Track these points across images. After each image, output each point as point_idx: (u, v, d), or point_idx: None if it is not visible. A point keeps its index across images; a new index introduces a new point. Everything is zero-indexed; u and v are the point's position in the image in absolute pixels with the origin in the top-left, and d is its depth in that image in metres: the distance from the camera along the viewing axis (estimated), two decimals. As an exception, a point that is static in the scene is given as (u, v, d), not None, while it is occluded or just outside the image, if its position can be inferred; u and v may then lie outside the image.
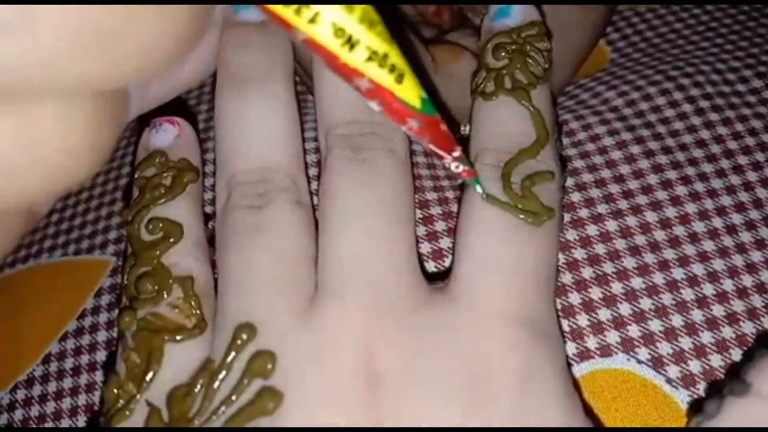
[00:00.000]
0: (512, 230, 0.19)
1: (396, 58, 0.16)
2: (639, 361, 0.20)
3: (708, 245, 0.22)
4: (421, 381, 0.17)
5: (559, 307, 0.21)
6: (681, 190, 0.23)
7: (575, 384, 0.20)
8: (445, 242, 0.23)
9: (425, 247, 0.23)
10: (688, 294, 0.21)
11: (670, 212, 0.23)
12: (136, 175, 0.21)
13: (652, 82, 0.26)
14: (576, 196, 0.23)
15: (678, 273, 0.21)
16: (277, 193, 0.20)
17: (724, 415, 0.17)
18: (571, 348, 0.21)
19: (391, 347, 0.18)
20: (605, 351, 0.20)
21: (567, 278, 0.21)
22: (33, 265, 0.26)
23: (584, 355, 0.20)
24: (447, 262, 0.22)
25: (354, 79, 0.15)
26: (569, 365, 0.20)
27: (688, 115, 0.25)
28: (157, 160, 0.21)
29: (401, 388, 0.17)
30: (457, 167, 0.19)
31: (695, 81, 0.26)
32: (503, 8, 0.23)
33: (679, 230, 0.22)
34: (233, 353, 0.18)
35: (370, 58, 0.15)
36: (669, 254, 0.22)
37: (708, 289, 0.21)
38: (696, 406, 0.19)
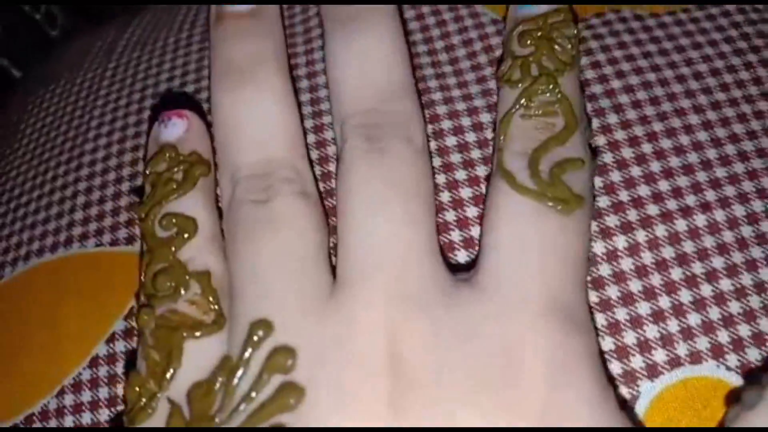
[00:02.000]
0: (541, 219, 0.19)
1: None
2: (728, 368, 0.19)
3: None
4: (446, 376, 0.17)
5: (648, 311, 0.20)
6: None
7: (610, 378, 0.19)
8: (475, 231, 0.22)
9: (455, 235, 0.21)
10: None
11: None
12: (147, 171, 0.22)
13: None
14: (665, 185, 0.21)
15: (765, 273, 0.20)
16: (281, 186, 0.20)
17: (765, 406, 0.16)
18: (661, 355, 0.19)
19: (416, 340, 0.17)
20: (695, 358, 0.19)
21: (656, 280, 0.20)
22: (64, 256, 0.25)
23: (675, 362, 0.19)
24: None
25: None
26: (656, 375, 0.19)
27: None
28: (167, 154, 0.21)
29: (426, 383, 0.17)
30: None
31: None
32: None
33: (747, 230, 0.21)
34: (250, 350, 0.18)
35: None
36: (757, 253, 0.20)
37: None
38: (735, 395, 0.18)
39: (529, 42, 0.22)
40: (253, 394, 0.17)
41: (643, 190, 0.21)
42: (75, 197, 0.26)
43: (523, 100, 0.21)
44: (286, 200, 0.20)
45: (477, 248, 0.21)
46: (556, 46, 0.22)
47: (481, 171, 0.22)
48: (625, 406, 0.19)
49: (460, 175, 0.22)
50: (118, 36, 0.32)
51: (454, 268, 0.20)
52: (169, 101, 0.26)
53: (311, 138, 0.23)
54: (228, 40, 0.22)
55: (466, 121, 0.23)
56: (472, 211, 0.21)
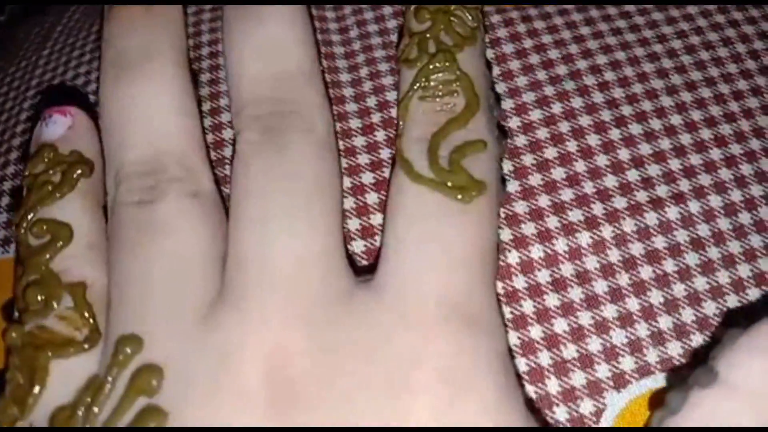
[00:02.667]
0: (441, 211, 0.18)
1: None
2: None
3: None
4: (332, 393, 0.16)
5: (615, 315, 0.19)
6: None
7: (518, 376, 0.18)
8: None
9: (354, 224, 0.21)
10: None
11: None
12: (25, 173, 0.20)
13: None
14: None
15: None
16: (168, 185, 0.18)
17: (689, 409, 0.15)
18: (629, 363, 0.18)
19: (299, 358, 0.16)
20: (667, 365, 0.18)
21: (624, 280, 0.19)
22: None
23: (644, 370, 0.18)
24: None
25: None
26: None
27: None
28: (45, 154, 0.20)
29: (309, 400, 0.16)
30: None
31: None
32: None
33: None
34: (115, 369, 0.17)
35: None
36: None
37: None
38: (658, 399, 0.17)
39: (426, 16, 0.20)
40: (115, 419, 0.16)
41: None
42: None
43: (422, 81, 0.19)
44: (171, 201, 0.18)
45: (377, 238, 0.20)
46: (454, 19, 0.20)
47: (385, 155, 0.21)
48: (533, 407, 0.18)
49: (363, 159, 0.21)
50: (55, 22, 0.31)
51: (363, 269, 0.19)
52: (59, 95, 0.25)
53: (209, 138, 0.22)
54: (119, 29, 0.21)
55: (371, 101, 0.22)
56: (372, 198, 0.20)
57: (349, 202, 0.20)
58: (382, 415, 0.16)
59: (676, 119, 0.21)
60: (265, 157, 0.18)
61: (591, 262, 0.19)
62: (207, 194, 0.19)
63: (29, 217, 0.19)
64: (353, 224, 0.20)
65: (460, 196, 0.18)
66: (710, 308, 0.18)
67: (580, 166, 0.20)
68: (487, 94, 0.20)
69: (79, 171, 0.20)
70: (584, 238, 0.19)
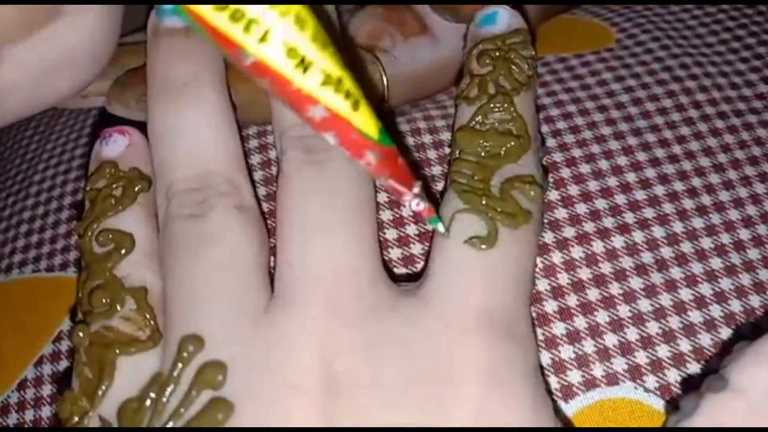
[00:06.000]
0: (489, 233, 0.20)
1: (349, 83, 0.15)
2: (647, 390, 0.20)
3: (716, 263, 0.21)
4: (380, 384, 0.18)
5: (563, 332, 0.21)
6: (688, 204, 0.23)
7: (549, 390, 0.20)
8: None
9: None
10: (696, 316, 0.21)
11: (678, 227, 0.22)
12: (87, 188, 0.22)
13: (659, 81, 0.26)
14: (581, 208, 0.23)
15: (685, 294, 0.21)
16: (217, 200, 0.20)
17: (702, 413, 0.17)
18: (576, 376, 0.20)
19: (349, 352, 0.18)
20: (611, 379, 0.20)
21: (572, 300, 0.21)
22: (3, 281, 0.25)
23: (590, 383, 0.20)
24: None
25: (307, 108, 0.15)
26: (573, 394, 0.20)
27: (695, 121, 0.25)
28: (107, 171, 0.22)
29: (359, 393, 0.18)
30: (417, 205, 0.19)
31: (701, 84, 0.26)
32: (489, 15, 0.24)
33: (687, 247, 0.22)
34: (180, 365, 0.18)
35: (324, 82, 0.14)
36: (677, 273, 0.21)
37: (716, 311, 0.21)
38: (674, 405, 0.19)
39: (487, 61, 0.23)
40: (182, 410, 0.18)
41: (560, 213, 0.23)
42: (18, 225, 0.27)
43: (479, 117, 0.22)
44: (221, 214, 0.20)
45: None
46: (513, 67, 0.22)
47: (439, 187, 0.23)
48: (565, 418, 0.20)
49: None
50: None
51: (402, 278, 0.21)
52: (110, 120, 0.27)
53: (256, 158, 0.24)
54: (163, 57, 0.22)
55: (427, 139, 0.25)
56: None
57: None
58: (426, 406, 0.17)
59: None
60: (308, 172, 0.20)
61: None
62: (250, 208, 0.21)
63: (94, 227, 0.21)
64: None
65: (508, 222, 0.20)
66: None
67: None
68: (536, 136, 0.22)
69: (139, 186, 0.21)
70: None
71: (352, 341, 0.18)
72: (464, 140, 0.21)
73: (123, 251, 0.20)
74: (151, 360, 0.19)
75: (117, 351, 0.19)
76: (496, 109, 0.22)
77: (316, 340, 0.18)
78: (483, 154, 0.21)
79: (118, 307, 0.19)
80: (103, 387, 0.18)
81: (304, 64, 0.13)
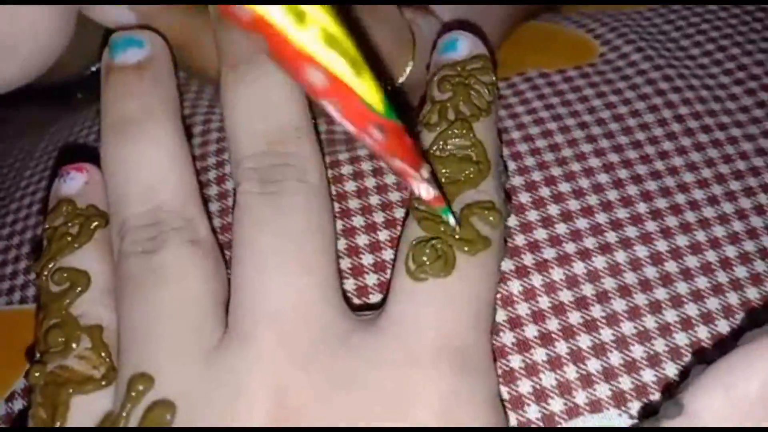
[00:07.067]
0: (446, 259, 0.19)
1: (352, 48, 0.14)
2: (631, 417, 0.19)
3: (701, 282, 0.21)
4: (336, 419, 0.17)
5: (544, 358, 0.20)
6: (671, 221, 0.22)
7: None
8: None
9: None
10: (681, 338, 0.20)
11: (661, 246, 0.22)
12: (45, 226, 0.22)
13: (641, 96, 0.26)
14: (562, 228, 0.22)
15: (671, 315, 0.20)
16: (169, 235, 0.20)
17: (684, 419, 0.16)
18: (558, 404, 0.20)
19: (300, 389, 0.18)
20: (595, 407, 0.19)
21: (553, 325, 0.21)
22: None
23: (573, 411, 0.19)
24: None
25: (306, 70, 0.14)
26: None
27: (677, 136, 0.24)
28: (64, 209, 0.22)
29: (315, 428, 0.17)
30: (427, 191, 0.18)
31: (684, 97, 0.25)
32: (450, 42, 0.24)
33: (671, 266, 0.21)
34: (128, 405, 0.18)
35: (326, 42, 0.13)
36: (661, 294, 0.21)
37: (702, 332, 0.20)
38: (650, 410, 0.19)
39: (447, 87, 0.23)
40: None
41: (541, 234, 0.22)
42: None
43: (439, 143, 0.22)
44: (173, 250, 0.20)
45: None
46: (473, 92, 0.22)
47: (399, 214, 0.23)
48: None
49: (378, 217, 0.23)
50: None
51: (365, 307, 0.21)
52: (75, 154, 0.26)
53: (213, 190, 0.24)
54: (115, 93, 0.22)
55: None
56: (389, 254, 0.22)
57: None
58: None
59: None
60: (262, 203, 0.20)
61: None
62: (205, 241, 0.21)
63: (50, 265, 0.21)
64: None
65: (466, 249, 0.19)
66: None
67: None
68: (497, 161, 0.22)
69: (95, 223, 0.21)
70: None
71: (303, 378, 0.18)
72: None
73: (78, 289, 0.20)
74: (105, 399, 0.19)
75: (71, 390, 0.19)
76: (456, 136, 0.21)
77: (267, 377, 0.18)
78: (443, 180, 0.21)
79: (74, 346, 0.19)
80: (56, 427, 0.18)
81: (304, 22, 0.13)
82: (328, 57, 0.14)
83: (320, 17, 0.13)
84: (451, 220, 0.19)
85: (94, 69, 0.31)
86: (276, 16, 0.13)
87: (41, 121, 0.33)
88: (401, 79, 0.26)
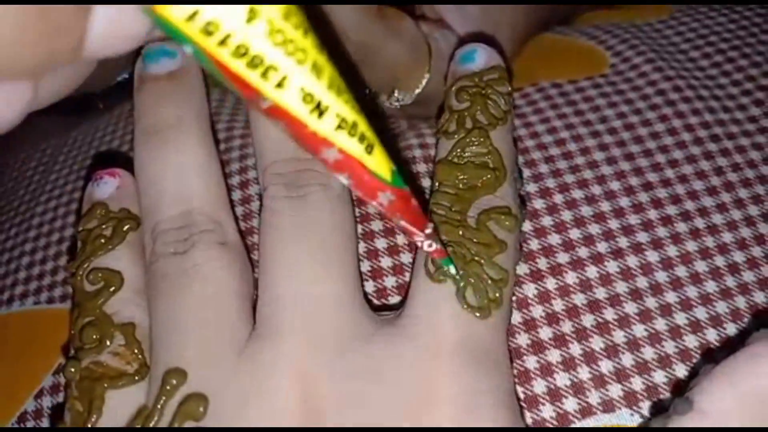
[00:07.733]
0: (464, 263, 0.20)
1: (364, 127, 0.15)
2: (642, 417, 0.20)
3: (710, 286, 0.21)
4: (360, 412, 0.18)
5: (559, 359, 0.21)
6: (681, 227, 0.23)
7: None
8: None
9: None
10: (691, 340, 0.21)
11: (672, 251, 0.22)
12: (79, 229, 0.23)
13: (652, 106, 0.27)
14: (575, 233, 0.23)
15: (681, 318, 0.21)
16: (200, 237, 0.21)
17: (693, 416, 0.17)
18: (572, 404, 0.20)
19: (329, 382, 0.19)
20: (607, 406, 0.20)
21: (567, 327, 0.21)
22: (4, 314, 0.26)
23: (586, 411, 0.20)
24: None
25: (322, 150, 0.15)
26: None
27: (687, 144, 0.25)
28: (97, 212, 0.23)
29: (339, 420, 0.18)
30: (429, 246, 0.19)
31: (694, 108, 0.26)
32: (468, 53, 0.25)
33: (681, 271, 0.22)
34: (163, 398, 0.19)
35: (339, 126, 0.14)
36: (671, 298, 0.21)
37: (711, 335, 0.21)
38: (660, 407, 0.19)
39: (465, 97, 0.24)
40: None
41: (554, 239, 0.23)
42: (20, 257, 0.27)
43: (457, 150, 0.22)
44: (203, 250, 0.21)
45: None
46: (490, 102, 0.23)
47: None
48: None
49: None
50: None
51: (384, 308, 0.21)
52: (106, 160, 0.27)
53: (237, 194, 0.25)
54: (148, 102, 0.23)
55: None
56: (407, 258, 0.23)
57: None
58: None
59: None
60: (289, 206, 0.21)
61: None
62: (233, 243, 0.22)
63: (85, 266, 0.22)
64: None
65: (484, 252, 0.20)
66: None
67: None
68: (513, 168, 0.23)
69: (128, 225, 0.22)
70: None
71: (330, 370, 0.19)
72: (443, 173, 0.22)
73: (112, 289, 0.21)
74: (139, 394, 0.19)
75: (105, 385, 0.19)
76: (473, 143, 0.22)
77: (296, 370, 0.19)
78: (461, 186, 0.22)
79: (108, 343, 0.20)
80: (92, 420, 0.19)
81: (319, 109, 0.14)
82: (341, 140, 0.15)
83: (336, 107, 0.14)
84: (452, 270, 0.20)
85: (120, 79, 0.32)
86: (295, 106, 0.13)
87: (63, 127, 0.34)
88: (417, 90, 0.27)
